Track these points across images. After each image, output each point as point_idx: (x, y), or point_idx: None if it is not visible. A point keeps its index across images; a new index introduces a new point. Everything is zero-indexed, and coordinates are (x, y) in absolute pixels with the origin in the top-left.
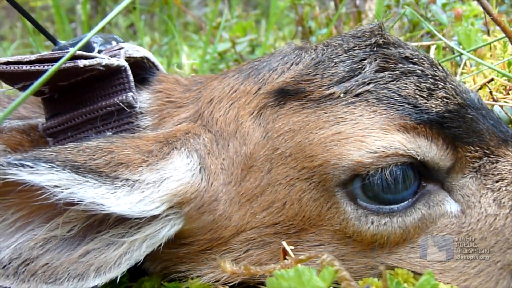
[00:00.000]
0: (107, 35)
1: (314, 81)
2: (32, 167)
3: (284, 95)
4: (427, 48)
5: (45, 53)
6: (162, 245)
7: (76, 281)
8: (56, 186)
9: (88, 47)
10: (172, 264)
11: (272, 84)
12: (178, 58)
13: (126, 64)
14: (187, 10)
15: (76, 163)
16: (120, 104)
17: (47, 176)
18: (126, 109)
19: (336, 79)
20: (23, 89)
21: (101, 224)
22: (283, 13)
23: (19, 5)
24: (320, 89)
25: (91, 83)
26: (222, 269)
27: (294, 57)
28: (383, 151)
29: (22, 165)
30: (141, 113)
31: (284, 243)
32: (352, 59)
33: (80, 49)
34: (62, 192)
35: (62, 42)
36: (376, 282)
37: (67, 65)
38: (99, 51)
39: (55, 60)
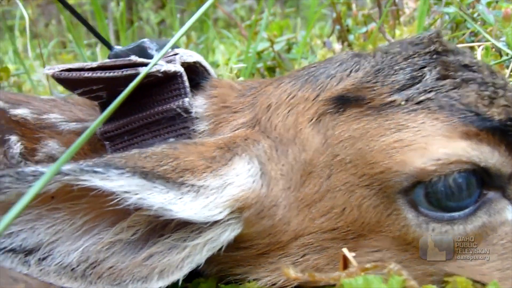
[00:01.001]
0: (160, 41)
1: (375, 88)
2: (103, 173)
3: (344, 102)
4: (471, 49)
5: (107, 60)
6: (223, 249)
7: (140, 283)
8: (126, 192)
9: (144, 52)
10: (228, 266)
11: (331, 91)
12: (213, 57)
13: (182, 70)
14: (220, 6)
15: (145, 169)
16: (177, 109)
17: (117, 182)
18: (183, 114)
19: (396, 86)
20: (82, 94)
21: (163, 228)
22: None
23: (72, 8)
24: (381, 97)
25: (148, 88)
26: (286, 274)
27: (353, 64)
28: (446, 158)
29: (94, 171)
30: (197, 118)
31: (345, 250)
32: (412, 67)
33: (135, 53)
34: (132, 197)
35: (118, 47)
36: None
37: (129, 72)
38: (153, 56)
39: (117, 67)
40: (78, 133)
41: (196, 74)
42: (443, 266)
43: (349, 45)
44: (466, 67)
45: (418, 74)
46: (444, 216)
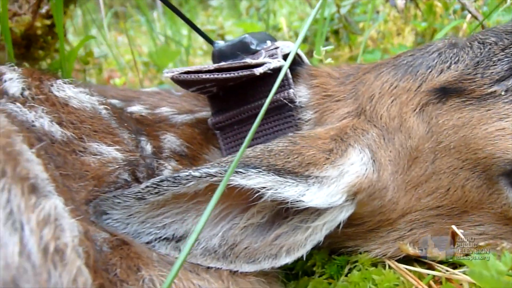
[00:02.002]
0: (258, 34)
1: (475, 80)
2: (244, 173)
3: (446, 93)
4: None
5: (223, 63)
6: (340, 227)
7: (270, 260)
8: (263, 188)
9: (247, 47)
10: (340, 240)
11: (433, 82)
12: (275, 20)
13: (285, 63)
14: None
15: (277, 167)
16: (283, 100)
17: (256, 179)
18: (289, 104)
19: (496, 78)
20: (195, 91)
21: (286, 211)
22: None
23: (173, 5)
24: (481, 88)
25: (253, 81)
26: (404, 251)
27: (452, 56)
28: None
29: (236, 172)
30: (301, 107)
31: (454, 227)
32: (510, 57)
33: (239, 49)
34: (268, 192)
35: (220, 43)
36: None
37: (245, 73)
38: (256, 51)
39: (233, 69)
40: (190, 124)
41: (294, 63)
42: None
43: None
44: None
45: None
46: None
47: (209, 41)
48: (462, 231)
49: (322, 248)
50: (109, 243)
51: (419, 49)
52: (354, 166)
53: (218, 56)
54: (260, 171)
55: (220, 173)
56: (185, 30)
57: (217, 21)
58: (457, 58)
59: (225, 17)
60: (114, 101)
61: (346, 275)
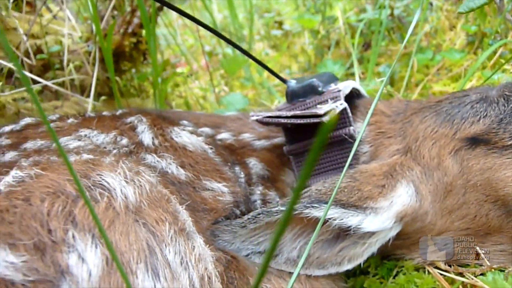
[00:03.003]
0: (322, 77)
1: (498, 133)
2: (318, 207)
3: (475, 141)
4: None
5: (298, 112)
6: (390, 242)
7: (336, 267)
8: (332, 218)
9: (315, 90)
10: (390, 249)
11: (465, 132)
12: (331, 11)
13: (346, 104)
14: None
15: (342, 201)
16: (344, 135)
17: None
18: (349, 139)
19: None
20: (267, 125)
21: (346, 230)
22: None
23: (249, 53)
24: (503, 140)
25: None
26: (438, 265)
27: (482, 111)
28: None
29: (313, 207)
30: (360, 141)
31: (477, 248)
32: None
33: (308, 91)
34: (335, 221)
35: (292, 82)
36: None
37: (314, 120)
38: (322, 92)
39: (305, 117)
40: (268, 149)
41: (352, 97)
42: None
43: None
44: None
45: None
46: None
47: (283, 80)
48: (483, 251)
49: (375, 255)
50: (224, 259)
51: (457, 98)
52: (401, 198)
53: (291, 95)
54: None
55: (301, 208)
56: (241, 13)
57: (274, 8)
58: (485, 113)
59: (282, 6)
60: (206, 130)
61: (394, 277)
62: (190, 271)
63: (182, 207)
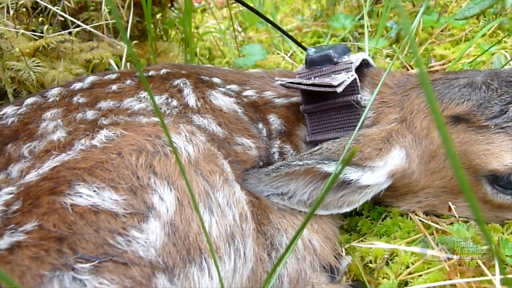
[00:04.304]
0: (339, 48)
1: (477, 115)
2: (328, 163)
3: (458, 120)
4: None
5: (316, 81)
6: (382, 192)
7: (337, 209)
8: None
9: (330, 59)
10: (381, 197)
11: (451, 111)
12: None
13: (356, 76)
14: None
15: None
16: (352, 102)
17: (333, 167)
18: (356, 105)
19: (490, 116)
20: (289, 88)
21: (348, 182)
22: None
23: (266, 17)
24: (480, 121)
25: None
26: (418, 214)
27: (467, 94)
28: (510, 165)
29: (324, 163)
30: (364, 107)
31: (450, 203)
32: (502, 103)
33: (325, 60)
34: (341, 175)
35: (311, 51)
36: (498, 227)
37: (329, 89)
38: (337, 62)
39: (322, 86)
40: (287, 106)
41: (362, 66)
42: (505, 215)
43: None
44: None
45: (505, 109)
46: (508, 191)
47: (303, 48)
48: (454, 206)
49: (367, 201)
50: (252, 201)
51: (449, 80)
52: (394, 160)
53: (310, 62)
54: (336, 163)
55: (314, 163)
56: None
57: None
58: (469, 97)
59: None
60: (234, 87)
61: (382, 220)
62: (233, 209)
63: (225, 161)
